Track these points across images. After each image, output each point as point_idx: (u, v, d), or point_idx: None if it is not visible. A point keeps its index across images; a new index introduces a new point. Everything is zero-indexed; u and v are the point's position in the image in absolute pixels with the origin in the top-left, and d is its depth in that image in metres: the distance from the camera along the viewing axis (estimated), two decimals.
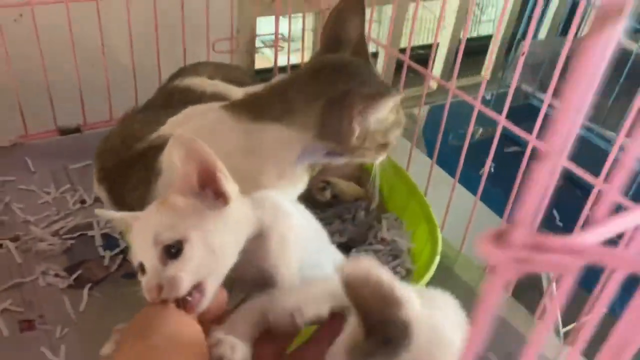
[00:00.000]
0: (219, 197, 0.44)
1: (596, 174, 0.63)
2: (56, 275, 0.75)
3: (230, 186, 0.44)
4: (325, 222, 0.70)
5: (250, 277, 0.47)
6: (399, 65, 0.96)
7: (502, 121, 0.72)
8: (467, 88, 1.24)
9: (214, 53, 1.09)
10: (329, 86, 0.58)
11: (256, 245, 0.47)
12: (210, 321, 0.43)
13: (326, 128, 0.57)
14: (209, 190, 0.44)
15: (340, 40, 0.62)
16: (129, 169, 0.64)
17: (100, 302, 0.72)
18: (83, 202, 0.89)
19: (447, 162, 1.11)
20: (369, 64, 0.62)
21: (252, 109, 0.59)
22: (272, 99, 0.59)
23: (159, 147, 0.61)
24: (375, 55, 1.54)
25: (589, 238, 0.16)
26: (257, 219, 0.47)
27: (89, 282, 0.74)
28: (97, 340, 0.44)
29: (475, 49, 1.61)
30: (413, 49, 1.27)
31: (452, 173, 0.96)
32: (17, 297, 0.72)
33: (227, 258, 0.44)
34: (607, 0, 0.15)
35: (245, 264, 0.45)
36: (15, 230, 0.82)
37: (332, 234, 0.72)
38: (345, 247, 0.79)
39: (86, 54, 0.96)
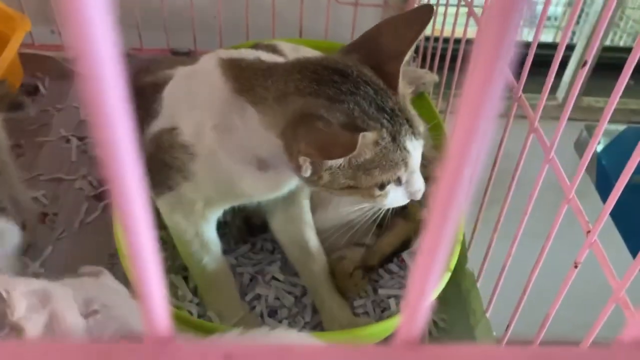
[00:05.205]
0: None
1: None
2: (90, 182, 0.76)
3: None
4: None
5: None
6: None
7: None
8: None
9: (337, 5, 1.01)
10: (310, 96, 0.47)
11: None
12: None
13: (285, 146, 0.48)
14: None
15: (380, 50, 0.50)
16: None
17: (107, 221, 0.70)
18: None
19: (618, 204, 0.89)
20: (382, 90, 0.48)
21: (239, 79, 0.51)
22: (258, 78, 0.50)
23: (158, 85, 0.56)
24: None
25: None
26: None
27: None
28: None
29: None
30: None
31: (617, 220, 0.79)
32: (49, 191, 0.75)
33: None
34: None
35: None
36: (84, 132, 0.86)
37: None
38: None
39: None
